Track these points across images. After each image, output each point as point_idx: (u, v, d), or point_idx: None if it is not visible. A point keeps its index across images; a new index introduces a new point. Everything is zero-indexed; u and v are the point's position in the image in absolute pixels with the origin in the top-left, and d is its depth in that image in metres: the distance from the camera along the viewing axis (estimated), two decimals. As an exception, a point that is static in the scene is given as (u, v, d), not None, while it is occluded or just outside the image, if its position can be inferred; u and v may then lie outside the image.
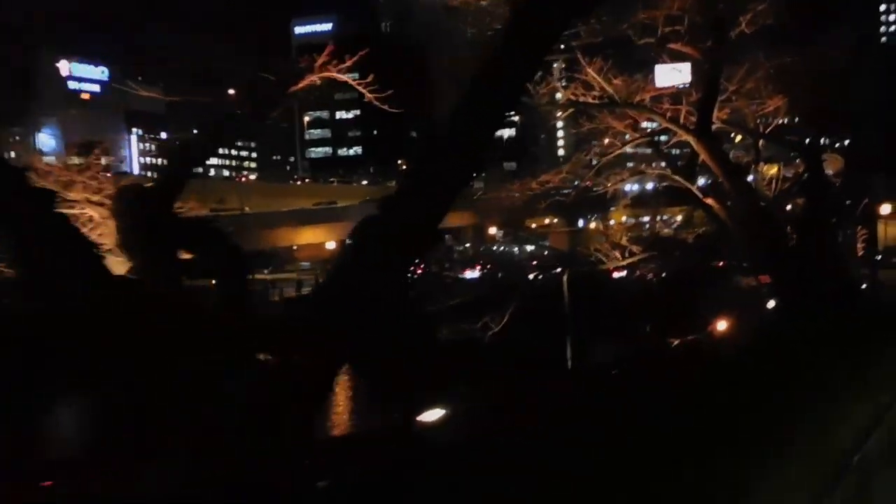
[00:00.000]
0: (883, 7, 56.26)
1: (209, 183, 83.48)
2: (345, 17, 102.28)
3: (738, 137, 17.69)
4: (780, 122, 15.30)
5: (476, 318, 16.48)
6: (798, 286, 10.45)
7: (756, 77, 13.38)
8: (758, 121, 14.50)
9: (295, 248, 56.45)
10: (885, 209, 25.54)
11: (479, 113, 3.71)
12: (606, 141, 13.65)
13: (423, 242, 3.60)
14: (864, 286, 18.52)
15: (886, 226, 28.35)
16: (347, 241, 3.72)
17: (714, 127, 12.98)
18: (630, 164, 17.83)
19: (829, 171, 24.36)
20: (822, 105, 13.38)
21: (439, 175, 3.64)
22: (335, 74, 5.52)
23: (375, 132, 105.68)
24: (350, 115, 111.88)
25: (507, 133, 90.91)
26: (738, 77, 13.37)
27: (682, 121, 11.18)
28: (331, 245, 57.57)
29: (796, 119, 16.18)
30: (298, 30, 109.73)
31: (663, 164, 13.63)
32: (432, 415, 6.45)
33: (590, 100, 11.41)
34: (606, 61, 11.00)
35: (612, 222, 16.68)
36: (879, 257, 28.31)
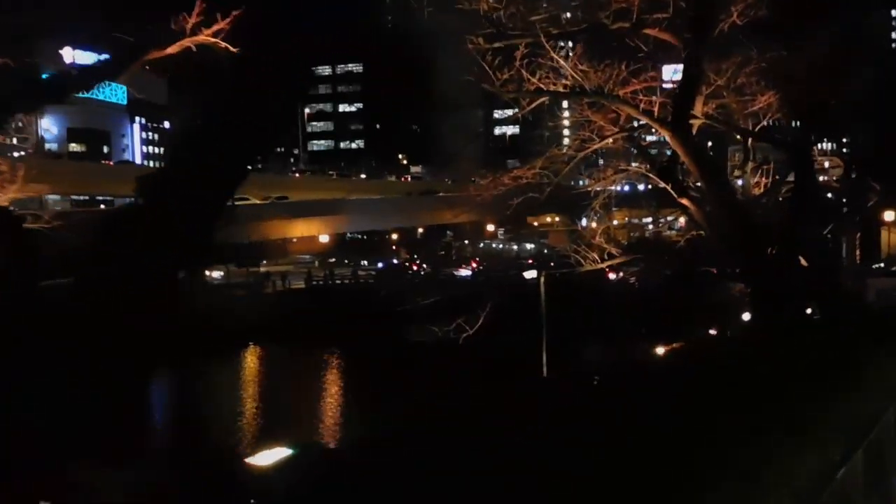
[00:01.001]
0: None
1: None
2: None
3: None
4: (775, 120, 14.35)
5: (454, 318, 15.71)
6: (775, 297, 9.61)
7: (747, 70, 12.50)
8: (748, 118, 13.57)
9: (294, 240, 56.06)
10: (889, 216, 24.47)
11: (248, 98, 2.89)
12: (600, 141, 12.79)
13: (194, 233, 2.83)
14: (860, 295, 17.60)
15: (890, 232, 27.25)
16: (103, 231, 2.98)
17: (700, 123, 12.12)
18: (635, 165, 16.99)
19: (833, 177, 23.34)
20: (817, 102, 12.47)
21: (208, 159, 2.85)
22: (208, 39, 4.76)
23: (378, 126, 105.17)
24: (353, 109, 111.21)
25: (510, 130, 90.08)
26: (727, 70, 12.50)
27: (656, 113, 10.33)
28: (324, 238, 57.09)
29: (794, 123, 15.23)
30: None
31: (639, 162, 12.76)
32: (270, 456, 5.63)
33: (560, 89, 10.58)
34: (575, 47, 10.19)
35: (584, 223, 15.82)
36: (882, 265, 27.18)
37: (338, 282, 48.13)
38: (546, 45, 9.63)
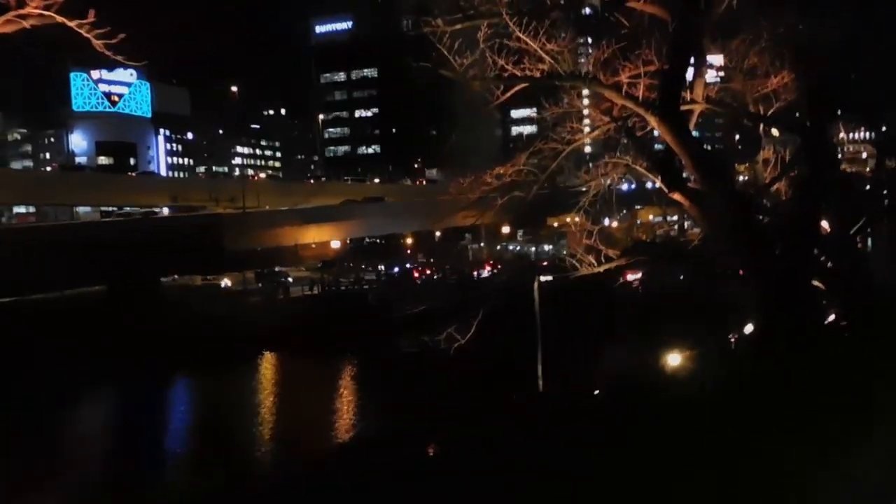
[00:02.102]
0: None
1: (220, 181, 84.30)
2: (362, 16, 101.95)
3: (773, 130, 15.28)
4: (790, 103, 12.86)
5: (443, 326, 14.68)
6: (784, 301, 8.27)
7: (757, 49, 11.15)
8: (759, 102, 12.14)
9: (313, 244, 56.24)
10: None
11: None
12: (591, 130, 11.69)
13: None
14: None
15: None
16: None
17: (700, 108, 10.83)
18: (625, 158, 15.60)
19: (867, 168, 21.40)
20: (835, 81, 11.01)
21: None
22: (36, 11, 3.88)
23: (394, 130, 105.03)
24: (369, 114, 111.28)
25: (527, 130, 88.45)
26: (736, 49, 11.19)
27: (641, 97, 9.11)
28: (335, 244, 56.78)
29: (811, 106, 13.65)
30: (318, 29, 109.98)
31: (632, 154, 11.49)
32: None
33: (536, 74, 9.46)
34: (548, 26, 9.06)
35: (606, 223, 14.63)
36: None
37: (344, 288, 49.20)
38: (510, 23, 8.53)
